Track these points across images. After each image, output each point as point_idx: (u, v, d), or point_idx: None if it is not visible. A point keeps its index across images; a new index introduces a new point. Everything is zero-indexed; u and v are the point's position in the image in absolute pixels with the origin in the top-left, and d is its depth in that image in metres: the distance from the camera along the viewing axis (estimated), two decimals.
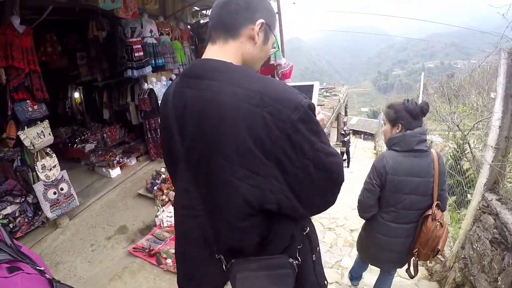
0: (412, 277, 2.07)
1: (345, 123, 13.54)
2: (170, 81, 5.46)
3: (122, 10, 4.02)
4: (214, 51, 0.92)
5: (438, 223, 1.82)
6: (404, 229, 1.95)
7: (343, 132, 11.95)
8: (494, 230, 2.42)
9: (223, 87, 0.80)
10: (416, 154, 1.84)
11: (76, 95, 6.81)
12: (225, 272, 0.90)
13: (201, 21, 6.53)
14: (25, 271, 0.82)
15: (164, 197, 3.72)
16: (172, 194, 3.72)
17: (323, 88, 16.22)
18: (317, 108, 0.97)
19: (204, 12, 6.79)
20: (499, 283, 2.13)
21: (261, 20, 0.90)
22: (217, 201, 0.86)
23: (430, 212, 1.85)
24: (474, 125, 6.48)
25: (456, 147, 6.10)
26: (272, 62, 5.48)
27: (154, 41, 4.97)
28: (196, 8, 6.67)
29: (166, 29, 5.36)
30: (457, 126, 6.48)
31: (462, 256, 3.01)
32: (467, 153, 5.73)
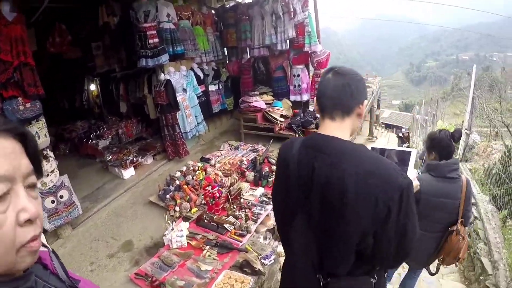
0: (432, 274, 2.42)
1: (377, 117, 12.37)
2: (191, 71, 4.92)
3: None
4: (335, 128, 1.14)
5: (461, 237, 2.12)
6: (431, 237, 2.22)
7: (401, 135, 10.15)
8: None
9: (347, 168, 1.04)
10: (448, 180, 2.11)
11: (93, 87, 6.43)
12: (322, 286, 1.18)
13: (227, 5, 5.90)
14: None
15: (177, 208, 3.20)
16: (185, 205, 3.19)
17: None
18: (414, 182, 1.36)
19: None
20: None
21: (366, 101, 1.17)
22: (329, 241, 1.12)
23: (455, 227, 2.13)
24: None
25: (506, 150, 5.16)
26: (306, 49, 4.93)
27: (172, 27, 4.45)
28: None
29: (186, 13, 4.82)
30: (506, 126, 5.46)
31: None
32: None
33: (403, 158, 1.52)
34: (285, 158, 1.21)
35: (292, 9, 4.78)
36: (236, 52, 5.96)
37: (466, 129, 5.77)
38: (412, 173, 1.46)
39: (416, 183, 1.41)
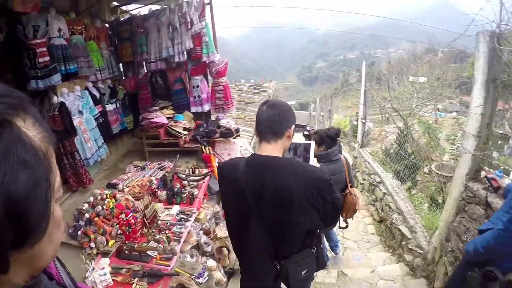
0: (343, 228, 2.96)
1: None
2: (86, 91, 4.45)
3: (17, 1, 3.09)
4: (271, 149, 1.52)
5: (353, 195, 2.74)
6: None
7: (307, 133, 11.20)
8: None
9: (290, 176, 1.44)
10: (334, 162, 3.02)
11: None
12: (278, 269, 1.55)
13: (121, 18, 5.53)
14: None
15: (92, 245, 2.84)
16: (100, 239, 2.87)
17: (252, 85, 16.38)
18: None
19: (124, 8, 5.79)
20: None
21: (293, 126, 1.56)
22: (284, 231, 1.50)
23: (347, 191, 2.80)
24: (414, 108, 6.70)
25: (399, 131, 6.22)
26: (204, 59, 4.94)
27: (64, 43, 3.98)
28: (115, 3, 5.68)
29: (78, 28, 4.37)
30: (396, 111, 6.63)
31: (450, 249, 2.86)
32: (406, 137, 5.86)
33: (307, 148, 2.10)
34: (232, 176, 1.54)
35: (189, 20, 4.73)
36: (132, 67, 5.59)
37: (362, 118, 6.67)
38: (312, 157, 2.08)
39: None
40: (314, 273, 1.79)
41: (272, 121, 1.48)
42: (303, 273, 1.57)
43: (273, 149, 1.51)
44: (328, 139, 3.04)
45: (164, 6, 4.98)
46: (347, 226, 2.96)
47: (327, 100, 19.40)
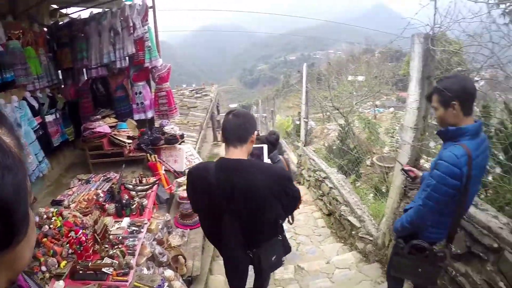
0: (291, 223, 3.02)
1: (219, 122, 13.26)
2: (24, 101, 3.99)
3: None
4: (238, 153, 1.73)
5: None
6: None
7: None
8: None
9: (258, 175, 1.69)
10: (277, 162, 3.17)
11: None
12: (250, 257, 1.82)
13: (60, 22, 5.08)
14: None
15: (43, 268, 2.54)
16: (51, 261, 2.58)
17: (193, 90, 16.30)
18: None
19: (63, 11, 5.33)
20: (453, 249, 2.18)
21: (256, 132, 1.82)
22: (255, 224, 1.77)
23: None
24: (354, 105, 7.18)
25: (341, 128, 6.62)
26: (147, 64, 4.76)
27: (0, 49, 3.57)
28: (54, 6, 5.20)
29: (16, 32, 3.94)
30: (337, 109, 7.07)
31: None
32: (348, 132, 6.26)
33: (258, 152, 2.33)
34: (204, 180, 1.75)
35: (131, 24, 4.50)
36: (72, 74, 5.13)
37: (304, 118, 6.94)
38: (266, 158, 2.29)
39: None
40: (283, 258, 2.00)
41: (238, 128, 1.72)
42: (273, 258, 1.83)
43: (240, 153, 1.73)
44: (270, 144, 3.20)
45: (106, 10, 4.72)
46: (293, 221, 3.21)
47: (269, 102, 19.91)
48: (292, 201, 1.84)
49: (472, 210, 2.20)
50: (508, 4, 2.08)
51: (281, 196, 1.73)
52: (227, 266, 2.02)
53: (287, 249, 1.99)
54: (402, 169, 2.45)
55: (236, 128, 1.71)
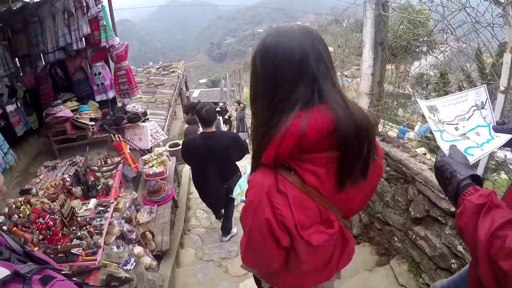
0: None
1: (188, 98, 12.99)
2: None
3: None
4: (210, 129, 3.20)
5: None
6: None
7: (219, 109, 10.65)
8: (388, 168, 2.61)
9: (224, 138, 3.30)
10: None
11: None
12: (225, 187, 3.42)
13: (13, 7, 4.68)
14: (57, 278, 0.79)
15: None
16: None
17: (160, 67, 15.88)
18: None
19: None
20: (412, 212, 2.32)
21: (217, 115, 3.69)
22: (225, 165, 3.36)
23: None
24: None
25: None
26: (103, 44, 4.62)
27: None
28: None
29: None
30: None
31: None
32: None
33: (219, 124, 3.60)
34: (194, 145, 3.28)
35: (84, 4, 4.30)
36: (30, 60, 4.85)
37: None
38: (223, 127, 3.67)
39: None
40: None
41: (208, 119, 3.13)
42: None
43: (211, 129, 3.18)
44: (220, 113, 3.90)
45: None
46: None
47: (236, 75, 19.65)
48: (242, 149, 3.34)
49: (428, 173, 2.18)
50: None
51: (236, 147, 3.26)
52: (210, 197, 3.61)
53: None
54: None
55: (207, 118, 3.11)
